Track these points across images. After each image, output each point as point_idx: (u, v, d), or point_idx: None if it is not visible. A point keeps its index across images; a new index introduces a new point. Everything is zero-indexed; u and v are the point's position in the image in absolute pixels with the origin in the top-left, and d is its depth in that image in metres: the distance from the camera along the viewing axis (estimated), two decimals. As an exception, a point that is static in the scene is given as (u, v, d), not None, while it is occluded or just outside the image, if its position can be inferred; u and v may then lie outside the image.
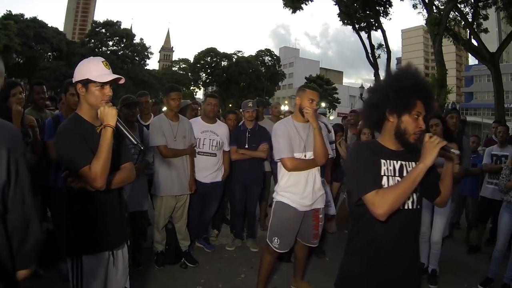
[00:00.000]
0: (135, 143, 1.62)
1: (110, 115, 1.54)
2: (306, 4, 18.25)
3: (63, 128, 1.60)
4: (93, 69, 1.59)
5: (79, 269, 1.60)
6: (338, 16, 18.54)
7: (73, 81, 1.63)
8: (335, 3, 18.01)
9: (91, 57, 1.70)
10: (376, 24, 17.81)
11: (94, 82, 1.57)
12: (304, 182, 2.61)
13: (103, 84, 1.58)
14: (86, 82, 1.58)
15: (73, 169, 1.54)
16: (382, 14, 17.71)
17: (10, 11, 35.54)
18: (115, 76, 1.61)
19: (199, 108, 4.93)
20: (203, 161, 3.56)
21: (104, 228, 1.65)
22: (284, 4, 18.47)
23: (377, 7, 17.54)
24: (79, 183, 1.54)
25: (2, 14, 33.54)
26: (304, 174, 2.61)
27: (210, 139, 3.58)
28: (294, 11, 18.63)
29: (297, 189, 2.61)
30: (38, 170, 2.86)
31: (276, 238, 2.67)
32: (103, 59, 1.65)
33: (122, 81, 1.65)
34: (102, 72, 1.59)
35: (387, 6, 17.62)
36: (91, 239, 1.62)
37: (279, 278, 3.24)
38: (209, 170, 3.58)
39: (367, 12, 17.65)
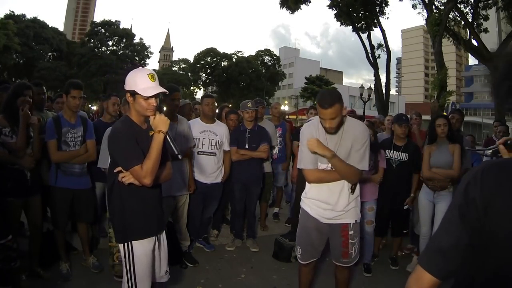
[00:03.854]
0: (176, 153, 1.81)
1: (163, 123, 1.75)
2: (307, 5, 18.26)
3: (119, 129, 1.79)
4: (139, 82, 1.75)
5: (130, 254, 1.82)
6: (335, 17, 18.55)
7: (125, 89, 1.81)
8: (330, 7, 18.02)
9: (140, 68, 1.87)
10: (375, 22, 17.80)
11: (139, 94, 1.75)
12: (327, 191, 2.29)
13: (147, 97, 1.75)
14: (134, 93, 1.76)
15: (126, 167, 1.73)
16: (378, 14, 17.72)
17: (13, 11, 35.69)
18: (159, 90, 1.77)
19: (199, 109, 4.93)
20: (203, 160, 3.56)
21: (149, 217, 1.87)
22: (280, 4, 18.48)
23: (376, 7, 17.55)
24: (129, 179, 1.73)
25: (4, 14, 33.69)
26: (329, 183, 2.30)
27: (209, 139, 3.58)
28: (292, 12, 18.64)
29: (320, 198, 2.32)
30: (39, 170, 2.87)
31: (298, 247, 2.49)
32: (150, 71, 1.81)
33: (166, 92, 1.85)
34: (147, 85, 1.75)
35: (383, 5, 17.62)
36: (139, 227, 1.84)
37: (279, 278, 3.25)
38: (210, 170, 3.58)
39: (366, 12, 17.66)
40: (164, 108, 3.57)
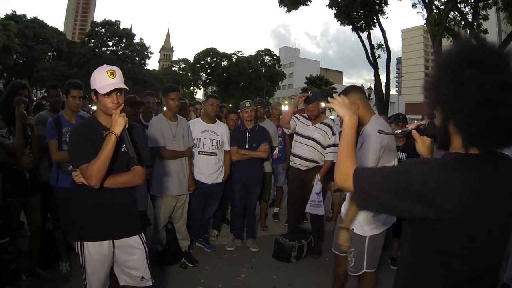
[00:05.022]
0: (131, 156, 1.74)
1: (118, 123, 1.68)
2: (307, 5, 18.24)
3: (76, 128, 1.84)
4: (98, 80, 1.73)
5: (82, 252, 1.83)
6: (335, 17, 18.54)
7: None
8: (329, 7, 18.03)
9: (103, 66, 1.81)
10: (374, 21, 17.78)
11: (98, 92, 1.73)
12: None
13: (107, 94, 1.72)
14: (95, 92, 1.75)
15: (74, 165, 1.74)
16: (378, 13, 17.71)
17: (15, 11, 35.77)
18: (115, 86, 1.71)
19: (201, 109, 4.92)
20: (204, 160, 3.57)
21: (105, 220, 1.82)
22: (279, 3, 18.46)
23: (376, 7, 17.55)
24: (80, 177, 1.73)
25: (5, 14, 33.78)
26: None
27: (210, 139, 3.59)
28: (289, 10, 18.64)
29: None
30: (38, 170, 2.87)
31: None
32: (110, 68, 1.76)
33: (126, 88, 1.80)
34: (105, 82, 1.72)
35: (383, 4, 17.61)
36: (92, 229, 1.82)
37: (279, 278, 3.25)
38: (210, 170, 3.59)
39: (366, 12, 17.65)
40: (164, 108, 3.58)
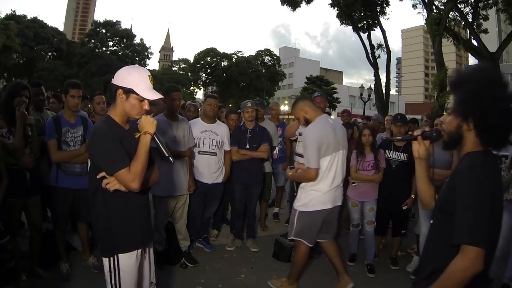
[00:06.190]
0: (167, 155, 1.69)
1: (150, 124, 1.62)
2: (307, 4, 18.24)
3: (101, 130, 1.62)
4: (140, 82, 1.62)
5: (117, 268, 1.65)
6: (337, 17, 18.56)
7: (114, 83, 1.64)
8: (331, 6, 18.03)
9: (138, 66, 1.75)
10: (375, 22, 17.77)
11: (137, 94, 1.61)
12: None
13: (144, 99, 1.64)
14: (129, 91, 1.62)
15: (111, 171, 1.57)
16: (379, 14, 17.70)
17: (15, 11, 35.75)
18: (159, 96, 1.67)
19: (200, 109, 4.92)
20: (204, 160, 3.57)
21: (137, 227, 1.72)
22: (282, 1, 18.44)
23: (376, 7, 17.54)
24: (115, 185, 1.58)
25: (5, 14, 33.75)
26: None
27: (210, 139, 3.59)
28: (294, 9, 18.62)
29: None
30: (38, 170, 2.87)
31: None
32: (149, 73, 1.70)
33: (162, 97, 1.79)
34: (147, 87, 1.64)
35: (384, 5, 17.61)
36: (126, 238, 1.68)
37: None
38: (210, 170, 3.59)
39: (367, 12, 17.64)
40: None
